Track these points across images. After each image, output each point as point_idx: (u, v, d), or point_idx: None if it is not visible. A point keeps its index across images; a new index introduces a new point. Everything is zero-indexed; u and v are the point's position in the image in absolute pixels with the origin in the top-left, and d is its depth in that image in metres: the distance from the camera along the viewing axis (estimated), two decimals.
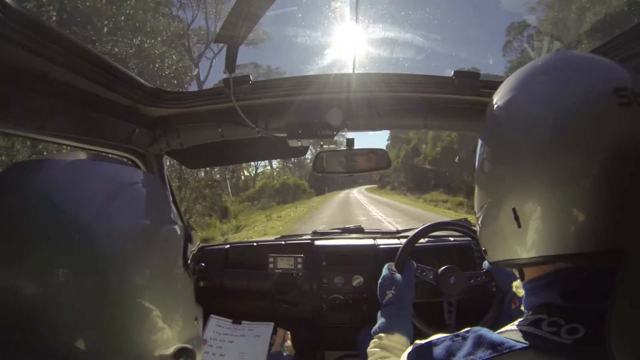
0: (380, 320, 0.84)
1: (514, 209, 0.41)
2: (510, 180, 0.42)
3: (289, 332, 1.14)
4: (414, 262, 1.01)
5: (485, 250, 0.50)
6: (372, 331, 0.84)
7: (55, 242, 0.33)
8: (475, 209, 0.51)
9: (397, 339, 0.79)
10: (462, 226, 1.16)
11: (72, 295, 0.33)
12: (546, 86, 0.41)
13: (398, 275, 0.95)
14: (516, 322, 0.42)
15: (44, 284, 0.32)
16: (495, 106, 0.46)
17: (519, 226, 0.41)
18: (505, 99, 0.44)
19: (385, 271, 0.97)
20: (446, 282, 1.06)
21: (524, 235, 0.41)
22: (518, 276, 0.48)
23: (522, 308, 0.46)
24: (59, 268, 0.32)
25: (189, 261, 0.47)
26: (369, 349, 0.78)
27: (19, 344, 0.32)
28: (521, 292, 0.47)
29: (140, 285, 0.37)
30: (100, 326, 0.35)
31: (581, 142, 0.37)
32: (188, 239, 0.47)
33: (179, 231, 0.45)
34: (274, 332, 1.19)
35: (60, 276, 0.32)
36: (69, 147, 0.90)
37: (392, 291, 0.90)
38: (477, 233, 0.52)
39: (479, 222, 0.50)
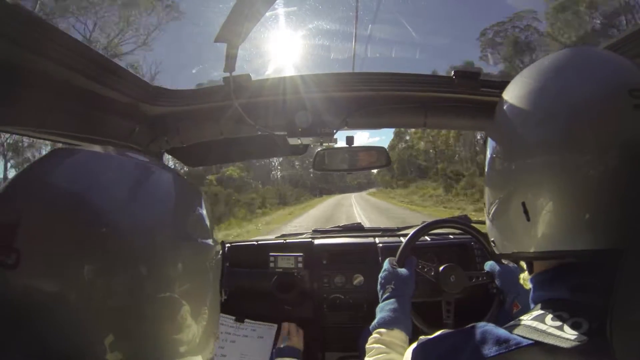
0: (380, 315, 0.83)
1: (523, 203, 0.42)
2: (520, 175, 0.43)
3: (301, 329, 1.14)
4: (415, 258, 1.01)
5: (494, 242, 0.51)
6: (371, 326, 0.82)
7: (79, 234, 0.32)
8: (485, 205, 0.52)
9: (397, 335, 0.78)
10: (463, 224, 1.17)
11: (97, 291, 0.32)
12: (560, 83, 0.42)
13: (399, 270, 0.94)
14: (522, 317, 0.42)
15: (68, 278, 0.31)
16: (508, 103, 0.46)
17: (528, 219, 0.42)
18: (519, 95, 0.45)
19: (386, 265, 0.96)
20: (446, 280, 1.05)
21: (533, 229, 0.42)
22: (526, 269, 0.49)
23: (529, 296, 0.46)
24: (83, 263, 0.31)
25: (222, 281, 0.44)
26: (368, 345, 0.78)
27: (42, 344, 0.31)
28: (528, 285, 0.48)
29: (167, 286, 0.36)
30: (127, 323, 0.33)
31: (593, 139, 0.38)
32: (225, 258, 0.45)
33: (212, 244, 0.43)
34: (277, 334, 1.18)
35: (86, 272, 0.31)
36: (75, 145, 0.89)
37: (392, 285, 0.89)
38: (487, 227, 0.53)
39: (489, 217, 0.51)
